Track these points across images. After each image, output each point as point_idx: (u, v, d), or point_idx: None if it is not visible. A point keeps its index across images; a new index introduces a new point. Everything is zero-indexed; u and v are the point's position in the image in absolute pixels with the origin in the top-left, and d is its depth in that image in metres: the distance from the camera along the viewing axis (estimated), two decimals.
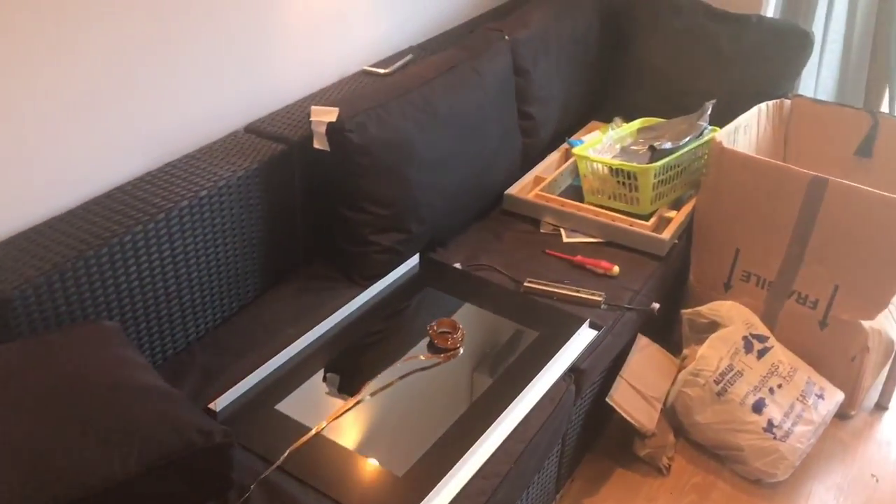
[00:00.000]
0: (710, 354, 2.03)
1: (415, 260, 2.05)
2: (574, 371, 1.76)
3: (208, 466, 1.24)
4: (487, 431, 1.55)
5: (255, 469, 1.45)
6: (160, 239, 1.61)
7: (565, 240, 2.19)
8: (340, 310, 1.84)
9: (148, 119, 1.73)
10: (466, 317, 1.87)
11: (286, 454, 1.48)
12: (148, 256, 1.60)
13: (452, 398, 1.64)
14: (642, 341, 2.06)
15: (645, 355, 2.03)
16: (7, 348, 1.32)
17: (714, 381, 1.99)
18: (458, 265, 2.05)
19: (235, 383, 1.62)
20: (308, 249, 2.04)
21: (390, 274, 1.98)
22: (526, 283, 1.98)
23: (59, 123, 1.56)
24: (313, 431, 1.53)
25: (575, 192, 2.38)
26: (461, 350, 1.77)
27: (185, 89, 1.79)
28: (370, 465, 1.48)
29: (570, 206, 2.22)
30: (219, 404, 1.58)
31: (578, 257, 2.08)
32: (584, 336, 1.83)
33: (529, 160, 2.47)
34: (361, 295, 1.90)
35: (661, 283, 2.08)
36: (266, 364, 1.67)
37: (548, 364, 1.72)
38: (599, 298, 1.93)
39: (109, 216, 1.58)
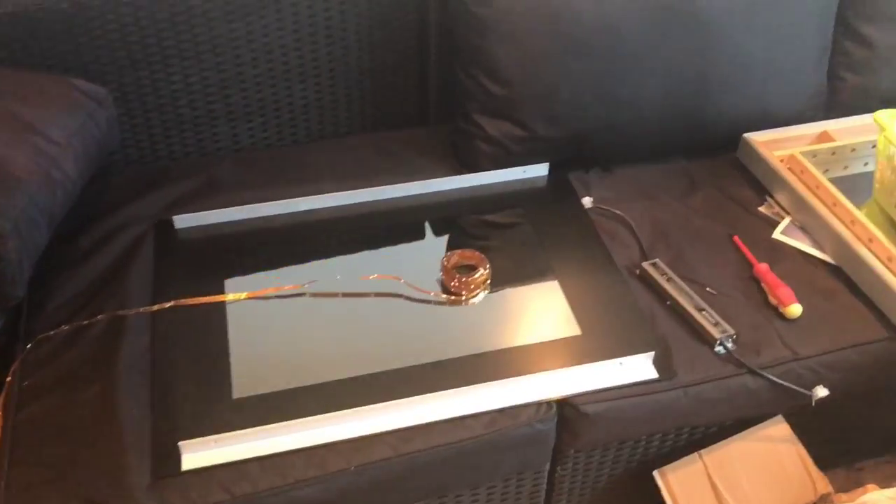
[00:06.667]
0: None
1: (542, 170, 1.52)
2: (564, 406, 1.17)
3: None
4: (379, 406, 1.12)
5: (131, 295, 1.27)
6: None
7: (776, 235, 1.42)
8: (399, 186, 1.46)
9: None
10: (530, 273, 1.34)
11: (167, 305, 1.26)
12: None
13: (404, 347, 1.21)
14: (779, 429, 1.29)
15: (766, 449, 1.27)
16: None
17: None
18: (589, 201, 1.46)
19: (219, 207, 1.41)
20: (441, 112, 1.64)
21: (492, 174, 1.50)
22: (646, 265, 1.34)
23: None
24: (212, 298, 1.27)
25: (867, 182, 1.51)
26: (465, 299, 1.28)
27: None
28: (219, 367, 1.18)
29: (826, 194, 1.40)
30: (180, 221, 1.40)
31: (764, 266, 1.33)
32: (630, 370, 1.19)
33: (839, 105, 1.62)
34: (439, 182, 1.48)
35: (862, 370, 1.25)
36: (260, 205, 1.41)
37: (545, 373, 1.16)
38: (718, 335, 1.22)
39: None
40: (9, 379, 1.17)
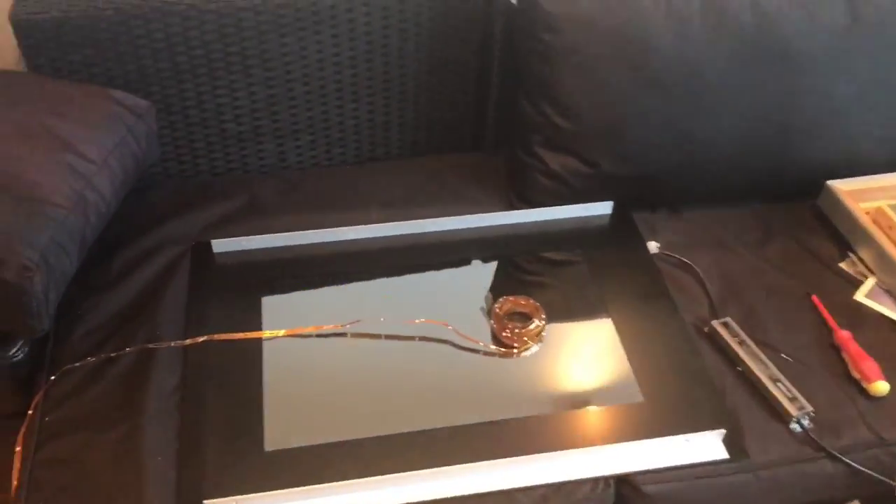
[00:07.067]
0: None
1: (605, 209, 1.41)
2: (622, 484, 1.07)
3: (0, 296, 1.01)
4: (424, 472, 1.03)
5: (163, 325, 1.19)
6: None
7: (859, 297, 1.29)
8: (451, 219, 1.37)
9: None
10: (588, 325, 1.24)
11: (200, 339, 1.18)
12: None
13: (450, 403, 1.12)
14: None
15: None
16: (3, 75, 1.22)
17: None
18: (655, 246, 1.36)
19: (256, 233, 1.33)
20: (498, 138, 1.53)
21: (551, 210, 1.39)
22: (716, 324, 1.23)
23: None
24: (248, 334, 1.19)
25: None
26: (517, 352, 1.19)
27: None
28: (251, 414, 1.10)
29: None
30: (218, 245, 1.32)
31: (846, 334, 1.21)
32: (697, 447, 1.08)
33: None
34: (493, 216, 1.38)
35: None
36: (303, 233, 1.33)
37: (604, 447, 1.06)
38: (795, 412, 1.11)
39: None
40: (30, 412, 1.10)
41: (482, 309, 1.24)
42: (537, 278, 1.31)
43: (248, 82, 1.36)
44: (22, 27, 1.22)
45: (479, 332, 1.21)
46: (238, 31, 1.30)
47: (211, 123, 1.40)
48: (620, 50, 1.24)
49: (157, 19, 1.26)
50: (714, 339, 1.22)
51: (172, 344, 1.17)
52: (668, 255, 1.35)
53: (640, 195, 1.40)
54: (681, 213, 1.43)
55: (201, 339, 1.18)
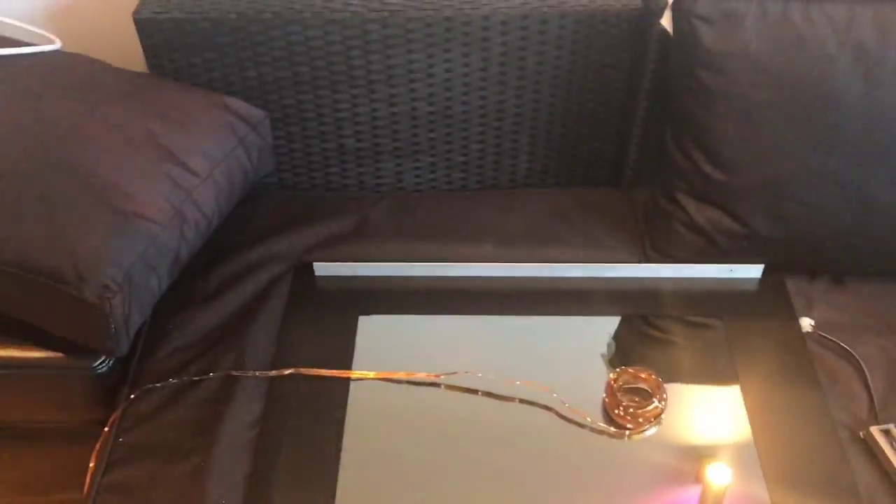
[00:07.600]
0: None
1: (753, 272, 1.22)
2: None
3: (80, 313, 0.96)
4: None
5: (252, 350, 1.12)
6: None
7: None
8: (573, 266, 1.23)
9: None
10: (716, 410, 1.07)
11: (286, 372, 1.10)
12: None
13: (546, 484, 0.99)
14: None
15: None
16: (119, 73, 1.18)
17: None
18: (808, 323, 1.16)
19: (362, 256, 1.24)
20: (637, 177, 1.37)
21: (690, 268, 1.22)
22: (875, 430, 1.02)
23: None
24: (336, 372, 1.10)
25: None
26: (629, 434, 1.04)
27: None
28: (326, 466, 1.01)
29: None
30: (321, 268, 1.24)
31: None
32: None
33: None
34: (620, 268, 1.23)
35: None
36: (410, 265, 1.23)
37: None
38: None
39: None
40: (106, 429, 1.06)
41: (600, 397, 1.09)
42: (664, 346, 1.14)
43: (371, 98, 1.27)
44: (144, 26, 1.18)
45: (588, 402, 1.07)
46: (364, 43, 1.21)
47: (329, 137, 1.32)
48: (792, 98, 1.05)
49: (279, 26, 1.19)
50: (870, 449, 1.02)
51: (258, 374, 1.10)
52: (823, 336, 1.15)
53: (797, 259, 1.21)
54: (845, 284, 1.23)
55: (287, 371, 1.10)
